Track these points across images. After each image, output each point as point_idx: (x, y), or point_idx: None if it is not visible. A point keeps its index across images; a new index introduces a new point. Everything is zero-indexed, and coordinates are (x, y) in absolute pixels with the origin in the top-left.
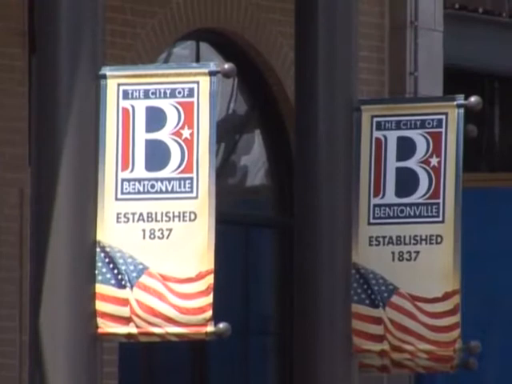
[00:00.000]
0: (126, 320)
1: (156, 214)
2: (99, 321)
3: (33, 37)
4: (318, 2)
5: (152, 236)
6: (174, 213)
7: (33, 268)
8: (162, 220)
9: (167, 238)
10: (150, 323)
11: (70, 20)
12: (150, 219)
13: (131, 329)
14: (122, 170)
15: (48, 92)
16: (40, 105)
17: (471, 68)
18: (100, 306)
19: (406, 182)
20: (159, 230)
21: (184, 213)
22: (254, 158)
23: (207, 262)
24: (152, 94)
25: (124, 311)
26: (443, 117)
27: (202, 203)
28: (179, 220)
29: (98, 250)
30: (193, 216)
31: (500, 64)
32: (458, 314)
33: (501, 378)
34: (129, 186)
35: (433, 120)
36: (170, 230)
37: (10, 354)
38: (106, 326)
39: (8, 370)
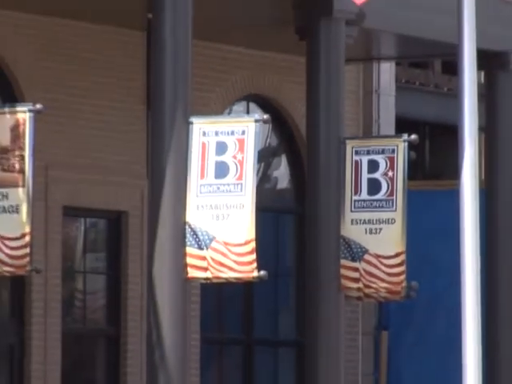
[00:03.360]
0: (204, 269)
1: (220, 205)
2: (189, 269)
3: (148, 95)
4: (320, 79)
5: (217, 218)
6: (231, 204)
7: (149, 239)
8: (223, 208)
9: (227, 219)
10: (219, 271)
11: (171, 85)
12: (216, 208)
13: (207, 274)
14: (201, 178)
15: (158, 133)
16: (153, 140)
17: (412, 118)
18: (189, 260)
19: (374, 186)
20: (222, 215)
21: (236, 204)
22: (281, 172)
23: (251, 233)
24: (220, 133)
25: (203, 263)
26: (395, 147)
27: (248, 199)
28: (234, 208)
29: (186, 226)
30: (242, 206)
31: (429, 116)
32: (404, 265)
33: (429, 303)
34: (204, 188)
35: (389, 149)
36: (229, 215)
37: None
38: (192, 273)
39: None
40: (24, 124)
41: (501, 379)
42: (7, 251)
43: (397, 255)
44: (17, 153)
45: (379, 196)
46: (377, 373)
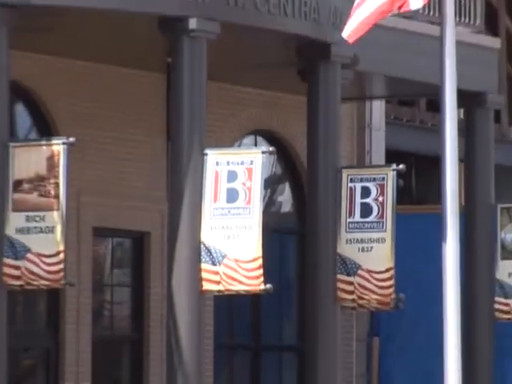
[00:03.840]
0: (217, 282)
1: (231, 226)
2: (203, 283)
3: (168, 129)
4: (319, 116)
5: (228, 238)
6: (240, 225)
7: (169, 255)
8: (234, 229)
9: (237, 239)
10: (230, 284)
11: (188, 121)
12: (228, 229)
13: (220, 287)
14: (214, 202)
15: (177, 162)
16: (172, 168)
17: (400, 150)
18: (203, 274)
19: (366, 209)
20: (232, 235)
21: (245, 226)
22: (284, 197)
23: (258, 251)
24: (231, 163)
25: (216, 278)
26: (385, 175)
27: (255, 221)
28: (243, 229)
29: (201, 245)
30: (250, 227)
31: (415, 148)
32: (393, 280)
33: (414, 313)
34: (217, 211)
35: (380, 177)
36: (238, 235)
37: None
38: (206, 286)
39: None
40: (58, 155)
41: (478, 379)
42: (44, 267)
43: (386, 270)
44: (52, 180)
45: (371, 218)
46: (369, 374)
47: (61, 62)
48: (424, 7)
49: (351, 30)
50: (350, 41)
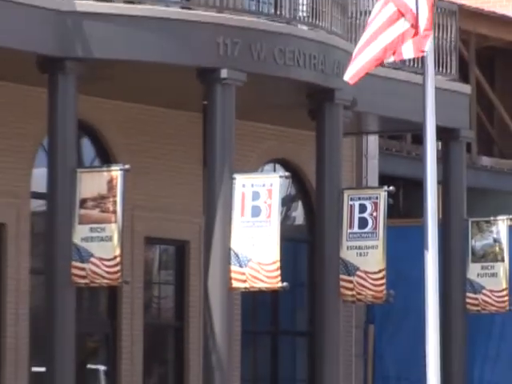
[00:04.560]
0: (243, 281)
1: (255, 235)
2: (232, 281)
3: (204, 158)
4: (325, 147)
5: (253, 245)
6: (262, 235)
7: (205, 259)
8: (257, 238)
9: (259, 246)
10: (254, 282)
11: (220, 151)
12: (252, 238)
13: (246, 285)
14: (241, 216)
15: (211, 184)
16: (208, 189)
17: (390, 175)
18: (232, 275)
19: (363, 222)
20: (256, 243)
21: (266, 235)
22: (298, 213)
23: (277, 256)
24: (255, 185)
25: (243, 277)
26: (378, 195)
27: (274, 231)
28: (264, 238)
29: (231, 251)
30: (270, 236)
31: (402, 173)
32: (384, 279)
33: (403, 304)
34: (243, 223)
35: (374, 196)
36: (260, 243)
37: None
38: (234, 284)
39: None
40: (116, 179)
41: (453, 359)
42: (105, 268)
43: (379, 271)
44: (111, 199)
45: (367, 229)
46: (365, 355)
47: (117, 104)
48: (410, 60)
49: (351, 74)
50: (351, 82)
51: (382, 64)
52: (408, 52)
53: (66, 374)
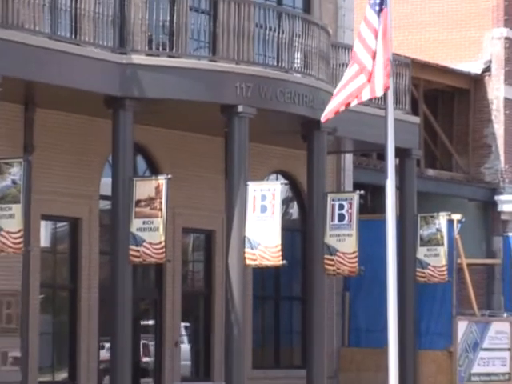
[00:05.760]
0: (254, 259)
1: (262, 227)
2: (246, 260)
3: (226, 170)
4: (314, 162)
5: (261, 233)
6: (268, 226)
7: (226, 244)
8: (264, 228)
9: (266, 234)
10: (262, 260)
11: (238, 165)
12: (260, 228)
13: (256, 262)
14: (253, 212)
15: (230, 190)
16: (228, 193)
17: (361, 183)
18: (246, 255)
19: (341, 217)
20: (263, 232)
21: (270, 227)
22: (294, 210)
23: (278, 241)
24: (263, 190)
25: (254, 257)
26: (353, 197)
27: (277, 223)
28: (269, 228)
29: (245, 238)
30: (273, 227)
31: (370, 181)
32: (357, 258)
33: (371, 277)
34: (254, 218)
35: (349, 198)
36: (267, 231)
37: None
38: (248, 262)
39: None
40: (162, 185)
41: (407, 316)
42: (153, 250)
43: (353, 253)
44: (158, 200)
45: (344, 222)
46: (343, 313)
47: (162, 131)
48: (375, 99)
49: (324, 114)
50: (323, 121)
51: (348, 106)
52: (366, 95)
53: (126, 328)
